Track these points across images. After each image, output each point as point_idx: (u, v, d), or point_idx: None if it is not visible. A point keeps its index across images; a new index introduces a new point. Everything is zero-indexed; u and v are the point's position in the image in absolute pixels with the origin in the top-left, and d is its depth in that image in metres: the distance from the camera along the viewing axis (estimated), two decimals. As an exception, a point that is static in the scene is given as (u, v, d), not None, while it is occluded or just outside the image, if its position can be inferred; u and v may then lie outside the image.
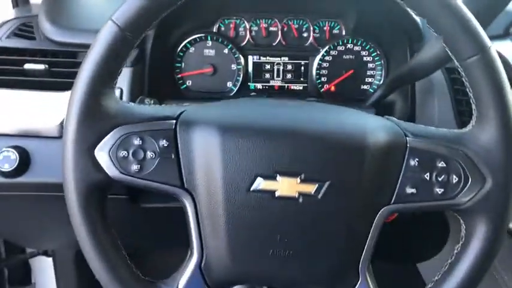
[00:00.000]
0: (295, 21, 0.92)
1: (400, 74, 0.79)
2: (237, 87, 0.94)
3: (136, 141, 0.49)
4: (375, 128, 0.51)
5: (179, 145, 0.50)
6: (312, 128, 0.50)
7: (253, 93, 0.88)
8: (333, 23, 0.92)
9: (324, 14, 0.92)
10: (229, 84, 0.94)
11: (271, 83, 0.95)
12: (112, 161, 0.49)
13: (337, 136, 0.50)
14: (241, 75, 0.93)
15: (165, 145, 0.50)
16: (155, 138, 0.50)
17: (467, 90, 0.49)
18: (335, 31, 0.92)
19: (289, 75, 0.95)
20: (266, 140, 0.49)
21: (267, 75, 0.95)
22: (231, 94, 0.94)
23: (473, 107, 0.49)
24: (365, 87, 0.94)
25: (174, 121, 0.50)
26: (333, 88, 0.94)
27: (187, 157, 0.50)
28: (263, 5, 0.91)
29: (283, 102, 0.57)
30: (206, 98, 0.93)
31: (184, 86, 0.94)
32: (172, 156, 0.50)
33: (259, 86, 0.95)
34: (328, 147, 0.49)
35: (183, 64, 0.93)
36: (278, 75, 0.95)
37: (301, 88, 0.95)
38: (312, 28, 0.92)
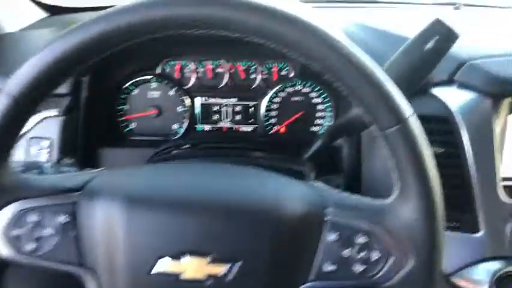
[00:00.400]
0: (242, 63, 0.90)
1: (338, 125, 0.77)
2: (184, 130, 0.91)
3: (34, 218, 0.45)
4: (291, 199, 0.47)
5: (80, 221, 0.46)
6: (223, 201, 0.47)
7: (191, 142, 0.84)
8: (281, 65, 0.90)
9: (271, 56, 0.89)
10: (176, 126, 0.91)
11: (220, 124, 0.92)
12: (5, 240, 0.45)
13: (249, 209, 0.46)
14: (188, 117, 0.90)
15: (65, 221, 0.46)
16: (54, 213, 0.46)
17: (390, 159, 0.46)
18: (283, 72, 0.90)
19: (238, 117, 0.92)
20: (172, 214, 0.45)
21: (215, 117, 0.92)
22: (178, 136, 0.91)
23: (396, 177, 0.47)
24: (315, 128, 0.91)
25: (77, 193, 0.47)
26: (282, 129, 0.91)
27: (88, 234, 0.46)
28: (208, 47, 0.88)
29: (197, 170, 0.53)
30: (151, 141, 0.90)
31: (128, 128, 0.90)
32: (73, 233, 0.46)
33: (207, 127, 0.92)
34: (240, 222, 0.46)
35: (126, 106, 0.90)
36: (227, 117, 0.92)
37: (250, 130, 0.92)
38: (259, 69, 0.90)
